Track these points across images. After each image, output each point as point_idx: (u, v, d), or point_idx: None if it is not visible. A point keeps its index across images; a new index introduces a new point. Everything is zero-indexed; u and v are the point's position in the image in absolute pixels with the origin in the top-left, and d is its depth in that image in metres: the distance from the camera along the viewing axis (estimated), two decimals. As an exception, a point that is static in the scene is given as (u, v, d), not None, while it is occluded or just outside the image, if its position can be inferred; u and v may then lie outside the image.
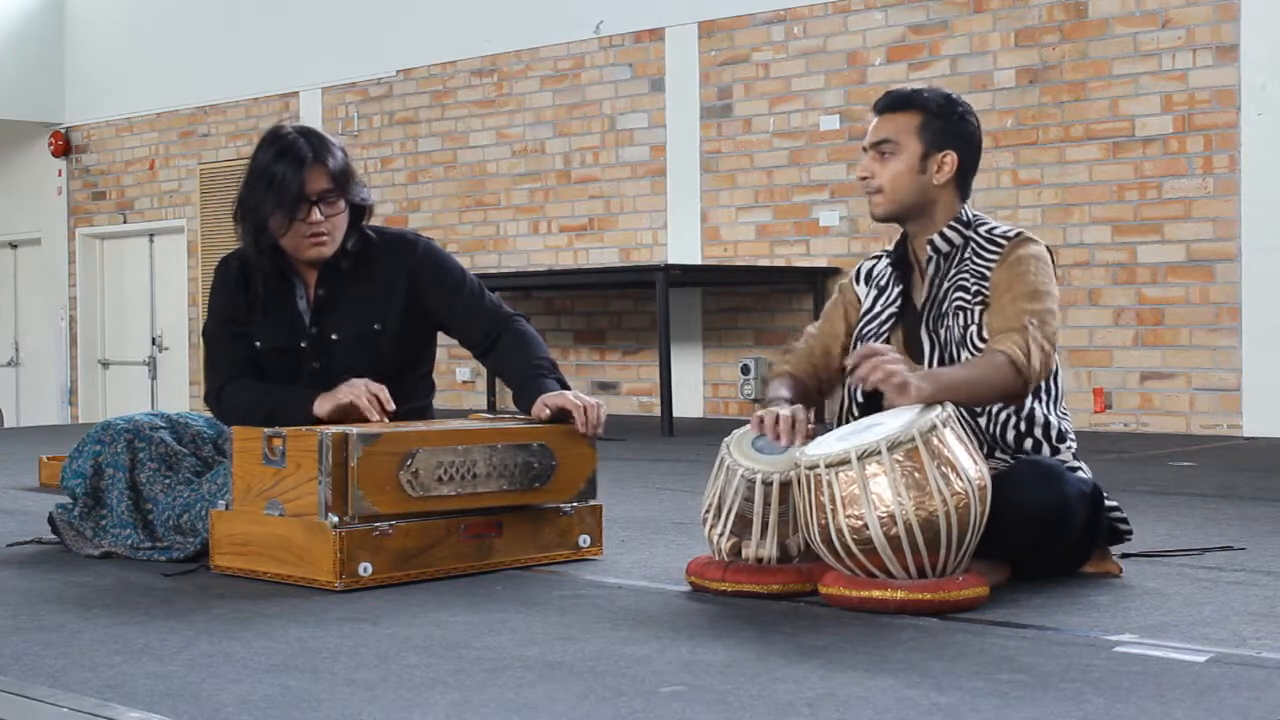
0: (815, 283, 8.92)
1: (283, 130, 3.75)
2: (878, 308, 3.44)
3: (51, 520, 3.95)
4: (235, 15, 12.31)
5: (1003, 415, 3.28)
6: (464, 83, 10.79)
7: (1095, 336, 7.94)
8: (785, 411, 3.20)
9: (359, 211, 3.79)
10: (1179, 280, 7.75)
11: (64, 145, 13.70)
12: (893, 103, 3.39)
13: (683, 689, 2.39)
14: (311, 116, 11.54)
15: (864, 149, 3.42)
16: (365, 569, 3.32)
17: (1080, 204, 8.05)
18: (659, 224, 9.77)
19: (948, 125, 3.35)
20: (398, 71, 11.19)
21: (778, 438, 3.16)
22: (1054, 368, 3.27)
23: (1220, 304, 7.63)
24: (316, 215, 3.66)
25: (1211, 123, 7.66)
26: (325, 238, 3.70)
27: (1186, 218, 7.73)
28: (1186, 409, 7.72)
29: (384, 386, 3.62)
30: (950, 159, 3.34)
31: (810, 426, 3.24)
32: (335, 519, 3.32)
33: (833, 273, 8.91)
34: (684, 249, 9.57)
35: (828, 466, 2.96)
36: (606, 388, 9.92)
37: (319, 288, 3.78)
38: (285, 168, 3.64)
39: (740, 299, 9.43)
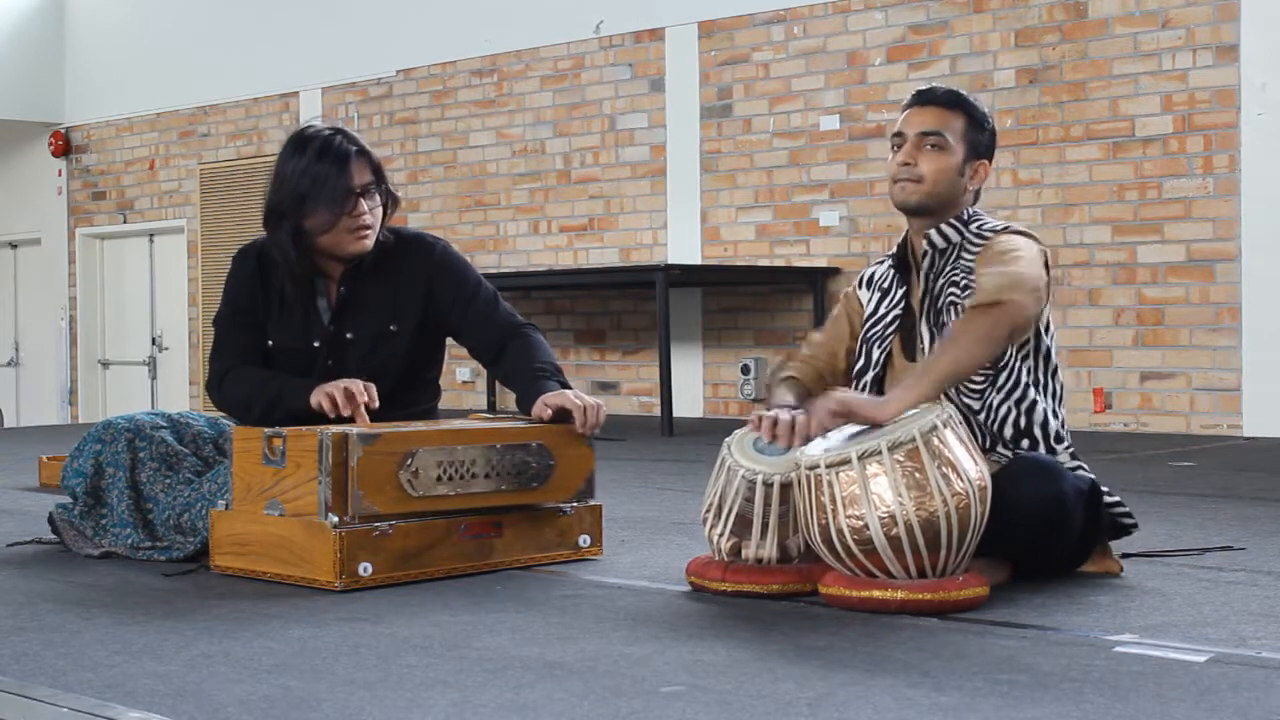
0: (815, 283, 8.92)
1: (312, 129, 3.74)
2: (881, 310, 3.44)
3: (51, 520, 3.95)
4: (235, 15, 12.31)
5: (1002, 409, 3.27)
6: (464, 83, 10.79)
7: (1095, 336, 7.94)
8: (785, 415, 3.19)
9: (387, 206, 3.80)
10: (1179, 280, 7.76)
11: (64, 145, 13.70)
12: (943, 98, 3.41)
13: (683, 689, 2.39)
14: (311, 117, 11.53)
15: (898, 134, 3.40)
16: (365, 569, 3.32)
17: (1080, 204, 8.05)
18: (659, 224, 9.77)
19: (983, 137, 3.42)
20: (398, 71, 11.19)
21: (774, 440, 3.15)
22: (1037, 287, 3.16)
23: (1220, 304, 7.63)
24: (363, 207, 3.68)
25: (1211, 123, 7.66)
26: (369, 230, 3.71)
27: (1186, 218, 7.73)
28: (1186, 409, 7.72)
29: (372, 388, 3.60)
30: (984, 169, 3.41)
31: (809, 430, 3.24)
32: (335, 519, 3.32)
33: (833, 273, 8.92)
34: (684, 249, 9.57)
35: (828, 467, 2.96)
36: (606, 388, 9.92)
37: (342, 285, 3.78)
38: (329, 164, 3.65)
39: (740, 299, 9.44)
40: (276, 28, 12.02)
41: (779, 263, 9.18)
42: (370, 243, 3.73)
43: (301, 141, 3.71)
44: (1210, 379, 7.65)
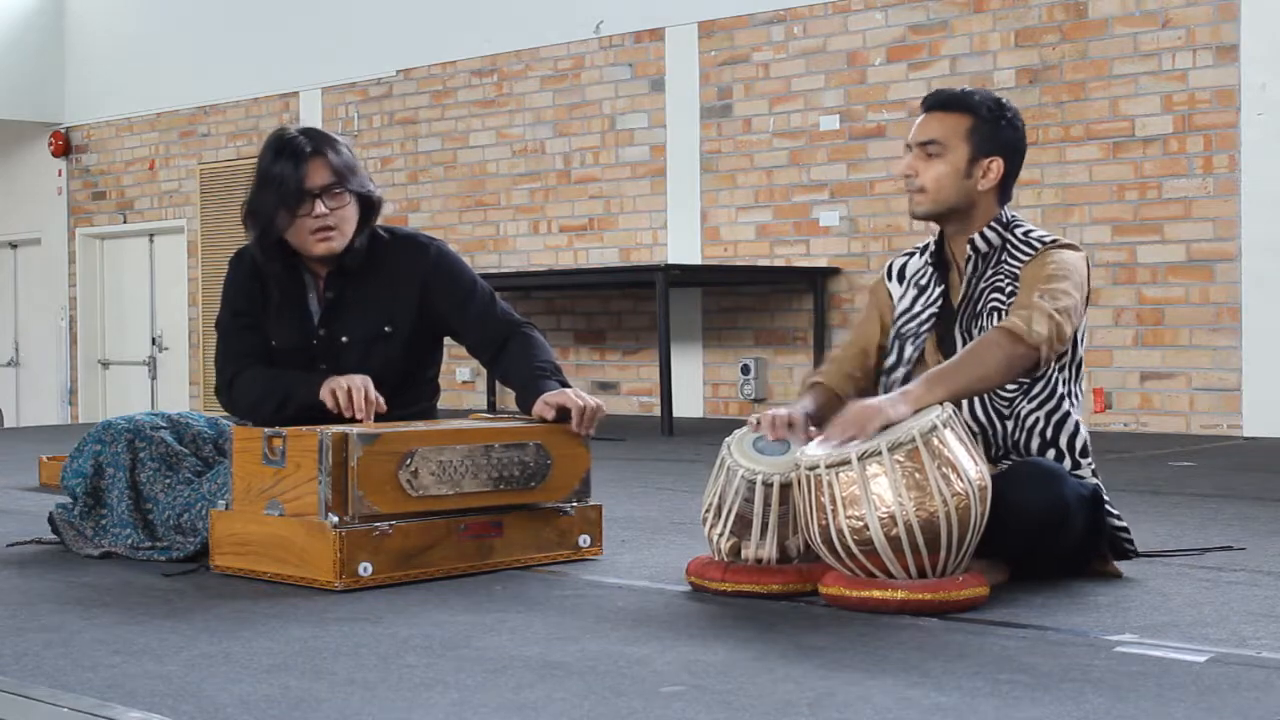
0: (815, 283, 8.92)
1: (283, 131, 3.75)
2: (917, 307, 3.41)
3: (51, 520, 3.95)
4: (235, 15, 12.31)
5: (1030, 420, 3.26)
6: (464, 83, 10.79)
7: (1095, 336, 7.94)
8: (783, 412, 3.21)
9: (368, 208, 3.78)
10: (1179, 280, 7.76)
11: (64, 145, 13.70)
12: (944, 102, 3.37)
13: (683, 689, 2.39)
14: (311, 116, 11.54)
15: (908, 145, 3.39)
16: (365, 569, 3.32)
17: (1080, 204, 8.05)
18: (659, 224, 9.77)
19: (997, 131, 3.33)
20: (398, 71, 11.19)
21: (773, 429, 3.17)
22: (1070, 338, 3.18)
23: (1220, 304, 7.63)
24: (320, 209, 3.66)
25: (1211, 123, 7.66)
26: (332, 232, 3.69)
27: (1186, 218, 7.73)
28: (1186, 409, 7.72)
29: (378, 396, 3.61)
30: (996, 165, 3.32)
31: (811, 430, 3.24)
32: (335, 519, 3.32)
33: (833, 273, 8.92)
34: (684, 249, 9.57)
35: (828, 467, 2.96)
36: (606, 388, 9.92)
37: (328, 290, 3.78)
38: (284, 165, 3.65)
39: (740, 299, 9.44)
40: (276, 28, 12.02)
41: (779, 263, 9.18)
42: (337, 244, 3.71)
43: (269, 142, 3.74)
44: (1210, 379, 7.65)
